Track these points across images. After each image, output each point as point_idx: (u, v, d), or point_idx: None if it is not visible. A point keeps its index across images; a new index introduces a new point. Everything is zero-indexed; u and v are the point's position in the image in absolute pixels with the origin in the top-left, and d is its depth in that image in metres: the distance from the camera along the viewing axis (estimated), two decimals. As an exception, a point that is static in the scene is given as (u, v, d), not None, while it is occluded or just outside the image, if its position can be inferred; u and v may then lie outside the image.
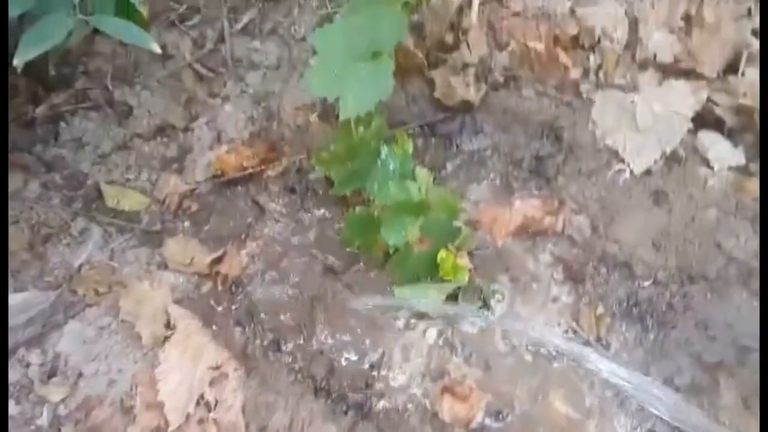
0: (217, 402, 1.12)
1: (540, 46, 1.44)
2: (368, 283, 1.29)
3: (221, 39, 1.66)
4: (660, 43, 1.42)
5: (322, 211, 1.39)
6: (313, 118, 1.46)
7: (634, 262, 1.27)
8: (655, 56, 1.41)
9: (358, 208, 1.27)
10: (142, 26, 1.13)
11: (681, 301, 1.23)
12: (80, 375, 1.21)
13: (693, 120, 1.38)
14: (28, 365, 1.21)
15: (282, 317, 1.25)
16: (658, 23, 1.43)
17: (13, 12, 1.08)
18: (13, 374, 1.20)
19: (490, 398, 1.14)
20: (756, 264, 1.23)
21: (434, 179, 1.38)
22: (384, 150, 1.28)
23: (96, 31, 1.64)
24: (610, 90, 1.41)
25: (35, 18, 1.09)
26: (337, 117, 1.19)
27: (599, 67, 1.45)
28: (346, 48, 1.21)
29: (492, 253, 1.32)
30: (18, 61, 1.04)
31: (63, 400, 1.17)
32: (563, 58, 1.43)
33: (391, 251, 1.25)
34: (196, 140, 1.52)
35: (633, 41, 1.46)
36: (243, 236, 1.36)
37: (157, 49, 1.13)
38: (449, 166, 1.44)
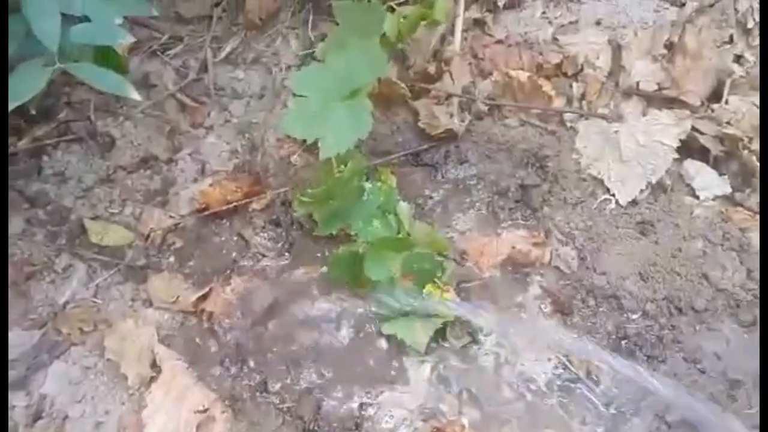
0: (204, 446, 1.11)
1: (523, 75, 1.44)
2: (357, 319, 1.28)
3: (204, 68, 1.65)
4: (643, 71, 1.42)
5: (310, 246, 1.37)
6: (296, 157, 1.46)
7: (621, 294, 1.27)
8: (638, 84, 1.42)
9: (342, 247, 1.27)
10: (121, 71, 1.12)
11: (670, 333, 1.23)
12: (66, 417, 1.19)
13: (678, 149, 1.38)
14: (13, 408, 1.20)
15: (269, 356, 1.24)
16: (641, 51, 1.44)
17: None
18: (-3, 419, 1.18)
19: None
20: (744, 295, 1.24)
21: (419, 209, 1.39)
22: (367, 187, 1.28)
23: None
24: (594, 119, 1.41)
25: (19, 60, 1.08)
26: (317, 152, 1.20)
27: (582, 95, 1.46)
28: (324, 89, 1.22)
29: (479, 286, 1.31)
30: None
31: (49, 444, 1.16)
32: (546, 86, 1.44)
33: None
34: (179, 172, 1.51)
35: (616, 69, 1.47)
36: (228, 272, 1.36)
37: (137, 97, 1.12)
38: (434, 196, 1.44)
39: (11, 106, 1.03)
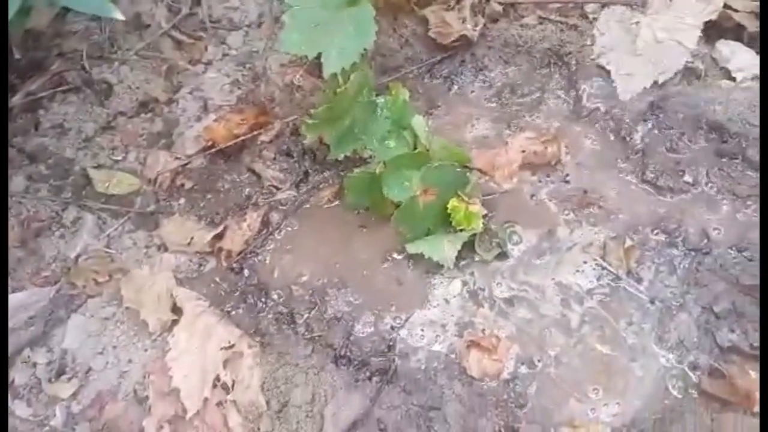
0: (234, 382, 1.06)
1: (537, -33, 1.33)
2: (378, 243, 1.21)
3: (197, 2, 1.57)
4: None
5: (324, 174, 1.30)
6: (299, 78, 1.37)
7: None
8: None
9: (356, 170, 1.19)
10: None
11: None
12: (89, 370, 1.15)
13: (708, 30, 1.27)
14: (34, 365, 1.17)
15: (293, 288, 1.18)
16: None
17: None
18: (20, 376, 1.15)
19: (519, 347, 1.08)
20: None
21: (435, 123, 1.31)
22: (379, 102, 1.20)
23: (66, 9, 1.59)
24: (616, 6, 1.30)
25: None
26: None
27: (602, -17, 1.34)
28: (320, -3, 1.13)
29: (503, 195, 1.23)
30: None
31: (75, 397, 1.13)
32: (563, -22, 1.33)
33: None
34: (181, 112, 1.45)
35: (636, -48, 1.35)
36: (242, 208, 1.29)
37: (120, 16, 1.05)
38: (450, 109, 1.35)
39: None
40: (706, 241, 1.14)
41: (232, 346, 1.09)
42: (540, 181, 1.23)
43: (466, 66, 1.39)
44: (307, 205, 1.29)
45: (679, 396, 1.01)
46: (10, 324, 1.18)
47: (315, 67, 1.39)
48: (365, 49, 1.14)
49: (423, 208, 1.16)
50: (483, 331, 1.09)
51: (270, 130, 1.36)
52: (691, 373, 1.03)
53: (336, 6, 1.12)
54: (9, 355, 1.16)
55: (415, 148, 1.22)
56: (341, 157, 1.25)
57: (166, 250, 1.26)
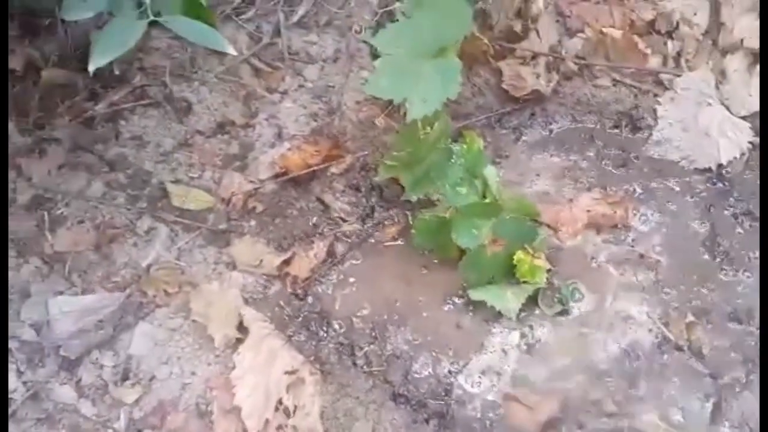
0: (295, 408, 1.09)
1: (616, 33, 1.38)
2: (440, 285, 1.25)
3: (277, 32, 1.63)
4: (747, 27, 1.34)
5: (390, 211, 1.34)
6: (380, 119, 1.42)
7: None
8: (742, 42, 1.33)
9: (426, 212, 1.23)
10: (211, 24, 1.09)
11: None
12: (153, 378, 1.19)
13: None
14: (101, 367, 1.20)
15: (354, 320, 1.21)
16: (743, 7, 1.35)
17: (85, 15, 1.05)
18: (88, 376, 1.19)
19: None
20: None
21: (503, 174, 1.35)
22: (455, 150, 1.24)
23: (151, 24, 1.66)
24: (693, 76, 1.33)
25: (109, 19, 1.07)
26: (402, 114, 1.16)
27: (679, 54, 1.38)
28: (410, 47, 1.17)
29: (567, 252, 1.26)
30: (92, 67, 1.02)
31: (137, 403, 1.16)
32: (641, 44, 1.37)
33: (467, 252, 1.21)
34: (257, 137, 1.49)
35: (714, 26, 1.39)
36: (309, 236, 1.33)
37: (233, 51, 1.09)
38: (519, 161, 1.38)
39: (106, 60, 1.01)
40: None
41: (295, 372, 1.13)
42: (604, 243, 1.26)
43: (536, 119, 1.43)
44: (372, 240, 1.33)
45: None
46: (80, 325, 1.22)
47: (391, 108, 1.45)
48: (448, 98, 1.18)
49: (490, 257, 1.19)
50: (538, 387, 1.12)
51: (341, 163, 1.41)
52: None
53: (424, 56, 1.17)
54: (78, 355, 1.20)
55: (485, 197, 1.26)
56: (410, 198, 1.30)
57: (234, 268, 1.30)
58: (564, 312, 1.20)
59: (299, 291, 1.27)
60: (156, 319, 1.25)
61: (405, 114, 1.16)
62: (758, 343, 1.13)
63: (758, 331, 1.15)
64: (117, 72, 1.40)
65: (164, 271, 1.30)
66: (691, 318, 1.16)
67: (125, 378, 1.19)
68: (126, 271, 1.32)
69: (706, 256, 1.23)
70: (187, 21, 1.05)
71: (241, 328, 1.20)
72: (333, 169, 1.41)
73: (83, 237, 1.35)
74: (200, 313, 1.22)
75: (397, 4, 1.50)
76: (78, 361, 1.20)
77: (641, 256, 1.24)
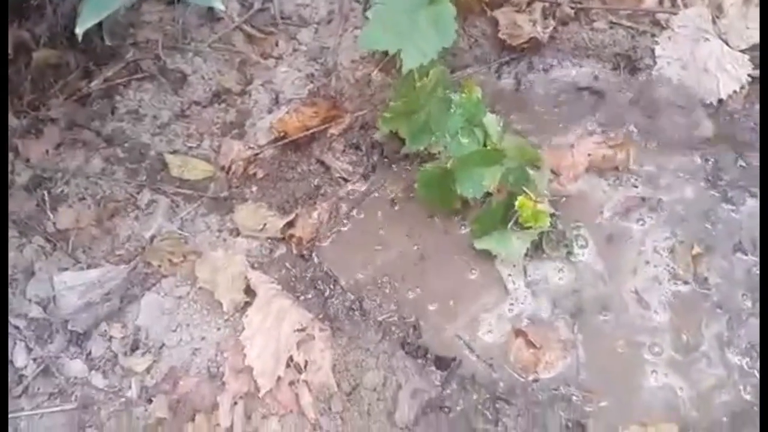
0: (306, 363, 1.09)
1: (611, -27, 1.35)
2: (445, 236, 1.24)
3: (269, -3, 1.61)
4: (744, -42, 1.31)
5: (392, 167, 1.33)
6: (375, 74, 1.40)
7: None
8: (739, -26, 1.31)
9: (428, 165, 1.22)
10: (200, -17, 1.08)
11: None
12: (163, 345, 1.19)
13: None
14: (110, 339, 1.20)
15: (360, 276, 1.21)
16: (740, -63, 1.32)
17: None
18: (97, 349, 1.19)
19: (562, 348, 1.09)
20: None
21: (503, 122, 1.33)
22: (454, 99, 1.22)
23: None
24: (689, 12, 1.31)
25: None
26: (397, 68, 1.14)
27: (676, -10, 1.35)
28: (403, -4, 1.15)
29: (569, 198, 1.25)
30: (80, 30, 1.00)
31: (149, 371, 1.16)
32: (636, -16, 1.34)
33: (470, 203, 1.20)
34: (254, 103, 1.48)
35: (712, -40, 1.36)
36: (312, 198, 1.32)
37: (221, 6, 1.07)
38: (518, 109, 1.37)
39: (94, 20, 1.00)
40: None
41: (304, 329, 1.12)
42: (606, 185, 1.25)
43: (534, 67, 1.41)
44: (375, 197, 1.32)
45: (752, 399, 1.02)
46: (87, 298, 1.22)
47: (387, 64, 1.43)
48: (443, 47, 1.16)
49: (494, 205, 1.18)
50: (546, 326, 1.11)
51: (340, 124, 1.39)
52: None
53: (417, 5, 1.15)
54: (87, 328, 1.20)
55: (486, 145, 1.24)
56: (411, 151, 1.28)
57: (238, 234, 1.30)
58: (570, 255, 1.18)
59: (305, 252, 1.26)
60: (162, 289, 1.25)
61: (401, 66, 1.14)
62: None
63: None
64: (108, 43, 1.38)
65: (168, 242, 1.29)
66: (697, 250, 1.15)
67: (135, 348, 1.19)
68: (129, 244, 1.32)
69: (710, 191, 1.21)
70: (174, -23, 1.03)
71: (249, 291, 1.19)
72: (332, 130, 1.40)
73: (85, 213, 1.35)
74: (206, 279, 1.22)
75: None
76: (87, 334, 1.20)
77: (643, 199, 1.22)
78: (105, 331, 1.21)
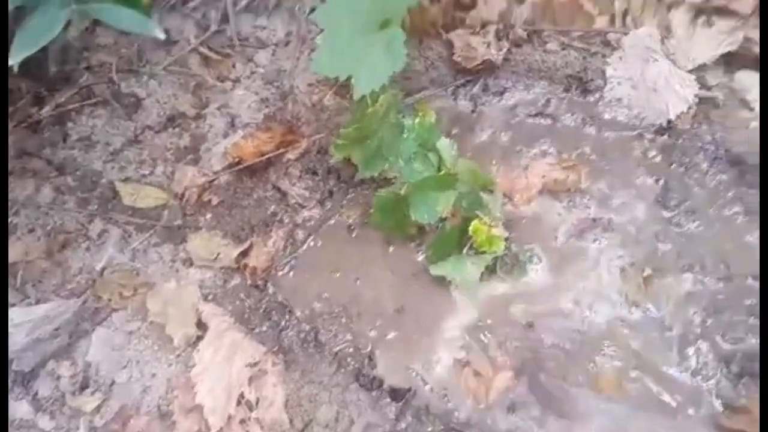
0: (258, 400, 1.07)
1: (562, -5, 1.35)
2: (401, 262, 1.23)
3: (225, 19, 1.58)
4: (691, -19, 1.31)
5: (348, 192, 1.32)
6: (328, 98, 1.39)
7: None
8: (685, -4, 1.31)
9: (383, 191, 1.21)
10: (144, 11, 1.05)
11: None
12: (113, 383, 1.17)
13: (729, 60, 1.29)
14: (58, 378, 1.18)
15: (316, 306, 1.19)
16: (686, -40, 1.33)
17: (12, 4, 1.01)
18: (44, 389, 1.17)
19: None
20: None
21: (458, 145, 1.32)
22: (406, 124, 1.21)
23: (96, 22, 1.61)
24: (639, 33, 1.31)
25: (30, 11, 1.02)
26: (350, 94, 1.13)
27: (626, 12, 1.35)
28: (352, 22, 1.14)
29: (524, 219, 1.25)
30: (13, 61, 0.98)
31: (98, 411, 1.14)
32: (587, 5, 1.34)
33: (426, 228, 1.20)
34: (209, 128, 1.46)
35: (661, -19, 1.36)
36: (267, 225, 1.31)
37: (162, 35, 1.05)
38: (473, 131, 1.36)
39: (27, 52, 0.97)
40: (725, 269, 1.15)
41: (256, 364, 1.10)
42: (562, 207, 1.25)
43: (490, 89, 1.40)
44: (332, 223, 1.31)
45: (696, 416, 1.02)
46: (35, 335, 1.19)
47: (343, 87, 1.42)
48: (394, 72, 1.16)
49: (448, 230, 1.17)
50: (498, 355, 1.11)
51: (296, 148, 1.38)
52: (708, 399, 1.05)
53: (367, 30, 1.14)
54: (34, 367, 1.17)
55: (440, 170, 1.23)
56: (364, 177, 1.27)
57: (191, 264, 1.28)
58: (523, 277, 1.18)
59: (259, 282, 1.24)
60: (113, 324, 1.23)
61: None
62: (715, 294, 1.14)
63: (716, 281, 1.15)
64: (55, 69, 1.35)
65: (119, 274, 1.27)
66: (648, 272, 1.15)
67: (84, 386, 1.17)
68: (80, 276, 1.29)
69: (660, 212, 1.22)
70: (112, 7, 1.01)
71: (201, 324, 1.18)
72: (288, 155, 1.38)
73: (34, 245, 1.32)
74: (158, 313, 1.20)
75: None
76: (33, 373, 1.17)
77: (594, 220, 1.22)
78: (53, 369, 1.18)
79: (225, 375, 1.09)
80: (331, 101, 1.40)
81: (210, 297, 1.23)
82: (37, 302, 1.24)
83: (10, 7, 1.02)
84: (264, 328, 1.19)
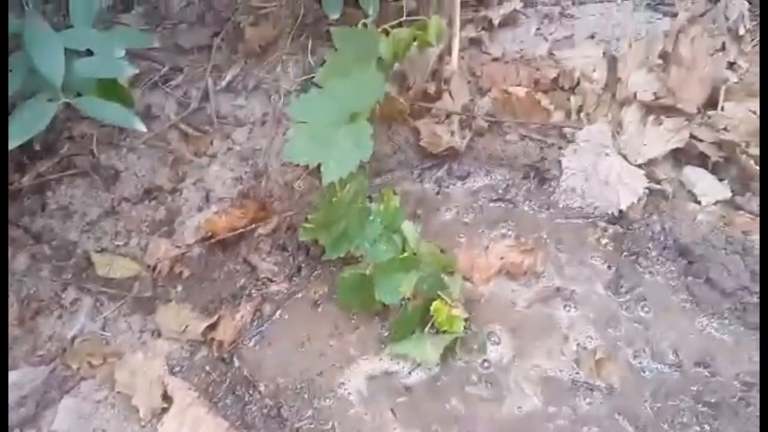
0: (219, 476, 1.10)
1: (521, 91, 1.46)
2: (366, 337, 1.28)
3: (206, 97, 1.67)
4: (639, 81, 1.43)
5: (316, 269, 1.38)
6: (299, 182, 1.46)
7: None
8: (635, 95, 1.43)
9: (349, 270, 1.27)
10: (126, 102, 1.13)
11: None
12: (78, 453, 1.18)
13: (677, 156, 1.40)
14: (24, 446, 1.19)
15: (280, 381, 1.23)
16: (636, 62, 1.46)
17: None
18: (8, 457, 1.18)
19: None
20: (750, 299, 1.24)
21: (423, 226, 1.39)
22: (372, 208, 1.29)
23: (78, 94, 1.68)
24: (592, 128, 1.42)
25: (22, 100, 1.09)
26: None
27: (580, 108, 1.46)
28: (323, 114, 1.24)
29: (482, 299, 1.31)
30: (11, 147, 1.04)
31: (61, 482, 1.15)
32: (544, 101, 1.45)
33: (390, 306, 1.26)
34: (184, 201, 1.52)
35: (612, 81, 1.48)
36: (236, 298, 1.35)
37: (143, 128, 1.13)
38: (438, 213, 1.44)
39: (17, 142, 1.04)
40: (673, 357, 1.22)
41: (219, 438, 1.13)
42: (517, 286, 1.32)
43: (453, 173, 1.49)
44: (299, 298, 1.36)
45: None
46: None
47: (314, 168, 1.49)
48: (361, 160, 1.23)
49: (411, 310, 1.23)
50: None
51: (268, 224, 1.44)
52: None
53: (337, 122, 1.22)
54: (-1, 434, 1.18)
55: (404, 251, 1.30)
56: (331, 258, 1.33)
57: (160, 336, 1.31)
58: (482, 356, 1.23)
59: (225, 355, 1.28)
60: (80, 393, 1.25)
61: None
62: (670, 377, 1.20)
63: (661, 366, 1.21)
64: (39, 146, 1.41)
65: (89, 343, 1.30)
66: (599, 356, 1.21)
67: (49, 455, 1.18)
68: (51, 344, 1.32)
69: (612, 297, 1.29)
70: (98, 102, 1.09)
71: (166, 397, 1.20)
72: (260, 231, 1.44)
73: (8, 311, 1.34)
74: (125, 383, 1.23)
75: (319, 71, 1.57)
76: (-1, 441, 1.18)
77: (550, 298, 1.29)
78: (18, 438, 1.20)
79: (188, 449, 1.12)
80: (303, 181, 1.47)
81: (176, 369, 1.26)
82: (9, 369, 1.25)
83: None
84: (228, 402, 1.22)
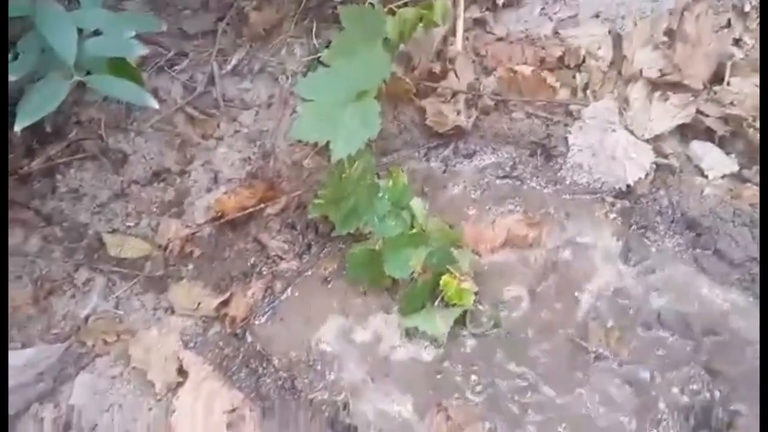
0: (235, 447, 1.12)
1: (527, 69, 1.46)
2: (380, 315, 1.30)
3: (211, 81, 1.67)
4: (645, 59, 1.44)
5: (326, 246, 1.39)
6: (308, 161, 1.48)
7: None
8: (641, 71, 1.44)
9: (358, 246, 1.28)
10: (137, 81, 1.14)
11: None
12: (95, 427, 1.20)
13: (684, 131, 1.41)
14: (42, 420, 1.21)
15: (293, 354, 1.25)
16: (641, 40, 1.46)
17: (15, 75, 1.09)
18: (28, 431, 1.19)
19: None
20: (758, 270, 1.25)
21: (430, 204, 1.41)
22: (381, 185, 1.30)
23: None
24: (598, 104, 1.43)
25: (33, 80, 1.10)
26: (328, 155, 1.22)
27: (586, 85, 1.47)
28: (331, 93, 1.25)
29: (491, 272, 1.33)
30: (18, 128, 1.06)
31: (79, 455, 1.17)
32: (550, 79, 1.46)
33: (399, 281, 1.28)
34: (193, 183, 1.53)
35: (618, 59, 1.49)
36: (247, 276, 1.37)
37: (155, 104, 1.14)
38: (444, 190, 1.45)
39: (32, 120, 1.05)
40: (683, 326, 1.24)
41: (235, 410, 1.15)
42: (524, 259, 1.34)
43: (459, 152, 1.50)
44: (309, 274, 1.37)
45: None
46: (20, 379, 1.22)
47: (322, 147, 1.50)
48: (369, 138, 1.25)
49: (420, 284, 1.25)
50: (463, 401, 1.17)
51: (277, 204, 1.45)
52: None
53: (344, 100, 1.23)
54: (17, 410, 1.20)
55: (413, 227, 1.31)
56: (341, 233, 1.35)
57: (173, 313, 1.33)
58: (495, 328, 1.26)
59: (238, 331, 1.30)
60: (96, 369, 1.27)
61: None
62: (681, 345, 1.21)
63: (670, 336, 1.23)
64: (49, 129, 1.42)
65: (102, 321, 1.32)
66: (610, 324, 1.23)
67: (67, 429, 1.20)
68: (65, 322, 1.33)
69: (621, 268, 1.31)
70: (111, 79, 1.10)
71: (181, 371, 1.22)
72: (269, 210, 1.45)
73: (21, 292, 1.36)
74: (140, 359, 1.24)
75: (325, 52, 1.58)
76: (17, 416, 1.20)
77: (558, 269, 1.31)
78: (37, 412, 1.21)
79: (203, 421, 1.14)
80: (311, 160, 1.48)
81: (191, 345, 1.28)
82: (23, 346, 1.27)
83: (16, 76, 1.09)
84: (242, 376, 1.24)
